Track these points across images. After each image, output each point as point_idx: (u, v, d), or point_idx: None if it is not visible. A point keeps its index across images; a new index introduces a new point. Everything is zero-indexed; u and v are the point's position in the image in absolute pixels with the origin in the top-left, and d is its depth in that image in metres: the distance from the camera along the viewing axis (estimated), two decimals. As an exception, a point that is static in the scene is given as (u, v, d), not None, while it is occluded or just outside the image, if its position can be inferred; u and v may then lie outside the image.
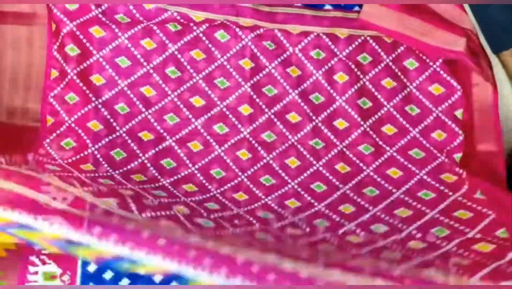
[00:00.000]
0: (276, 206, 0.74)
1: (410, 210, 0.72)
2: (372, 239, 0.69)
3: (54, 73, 0.78)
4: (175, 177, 0.76)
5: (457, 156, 0.77)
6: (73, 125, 0.78)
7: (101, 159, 0.76)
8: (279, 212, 0.74)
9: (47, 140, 0.77)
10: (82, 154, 0.76)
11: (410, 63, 0.80)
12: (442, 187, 0.75)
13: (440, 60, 0.80)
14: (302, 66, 0.80)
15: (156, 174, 0.76)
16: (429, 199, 0.74)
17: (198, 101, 0.79)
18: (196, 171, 0.77)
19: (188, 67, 0.80)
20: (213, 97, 0.79)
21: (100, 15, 0.79)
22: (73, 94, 0.78)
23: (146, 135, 0.78)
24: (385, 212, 0.72)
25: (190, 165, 0.77)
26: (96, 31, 0.79)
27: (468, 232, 0.68)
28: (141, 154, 0.77)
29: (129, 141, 0.78)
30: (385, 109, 0.79)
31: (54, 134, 0.77)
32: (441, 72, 0.80)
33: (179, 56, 0.80)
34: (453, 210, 0.71)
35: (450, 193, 0.74)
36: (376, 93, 0.79)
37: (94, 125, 0.78)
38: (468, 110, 0.79)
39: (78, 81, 0.78)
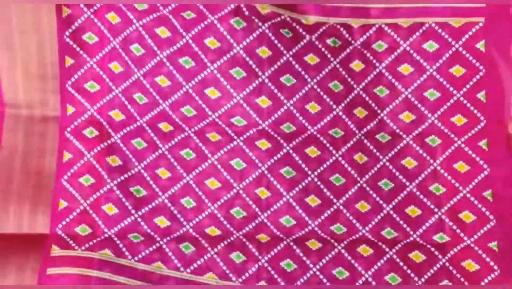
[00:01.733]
0: (296, 205, 0.77)
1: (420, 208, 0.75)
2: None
3: (69, 61, 0.76)
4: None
5: (483, 142, 0.75)
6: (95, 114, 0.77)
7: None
8: (303, 218, 0.77)
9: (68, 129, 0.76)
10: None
11: (430, 45, 0.77)
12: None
13: (463, 39, 0.76)
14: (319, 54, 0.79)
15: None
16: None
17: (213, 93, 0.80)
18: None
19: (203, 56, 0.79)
20: (228, 88, 0.80)
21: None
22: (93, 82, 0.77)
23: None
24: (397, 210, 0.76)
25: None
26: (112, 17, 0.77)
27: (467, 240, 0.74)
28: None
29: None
30: (403, 96, 0.77)
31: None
32: (463, 51, 0.76)
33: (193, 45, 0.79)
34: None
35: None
36: (393, 80, 0.77)
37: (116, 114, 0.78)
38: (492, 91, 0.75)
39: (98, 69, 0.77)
